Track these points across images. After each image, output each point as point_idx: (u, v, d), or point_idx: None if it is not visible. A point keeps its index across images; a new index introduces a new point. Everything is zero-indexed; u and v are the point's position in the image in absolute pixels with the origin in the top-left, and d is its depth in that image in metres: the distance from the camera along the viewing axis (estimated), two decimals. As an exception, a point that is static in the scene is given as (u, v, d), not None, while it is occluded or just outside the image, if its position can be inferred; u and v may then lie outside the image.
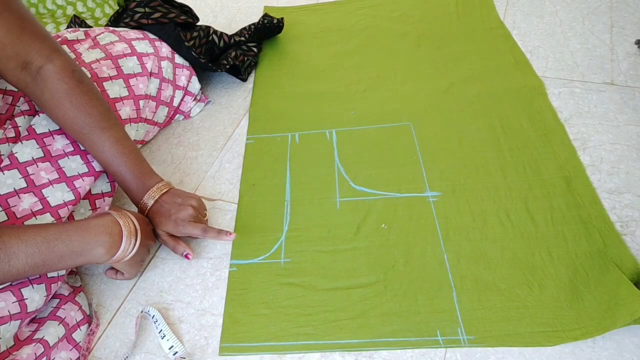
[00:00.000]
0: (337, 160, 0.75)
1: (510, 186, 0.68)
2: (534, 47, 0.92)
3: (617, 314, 0.52)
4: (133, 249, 0.56)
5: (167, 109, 0.83)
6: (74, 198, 0.60)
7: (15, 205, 0.56)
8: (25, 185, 0.58)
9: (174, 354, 0.56)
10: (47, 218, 0.57)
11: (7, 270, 0.47)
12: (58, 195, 0.59)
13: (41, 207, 0.58)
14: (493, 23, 0.96)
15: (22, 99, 0.65)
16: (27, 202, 0.57)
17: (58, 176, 0.60)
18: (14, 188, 0.57)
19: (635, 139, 0.72)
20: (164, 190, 0.64)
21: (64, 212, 0.59)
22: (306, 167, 0.75)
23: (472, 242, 0.63)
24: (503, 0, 1.05)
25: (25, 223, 0.56)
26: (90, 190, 0.65)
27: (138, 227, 0.57)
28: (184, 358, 0.55)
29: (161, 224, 0.63)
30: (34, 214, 0.57)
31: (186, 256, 0.63)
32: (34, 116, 0.64)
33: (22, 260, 0.48)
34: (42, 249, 0.49)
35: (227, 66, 0.90)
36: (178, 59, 0.84)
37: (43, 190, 0.58)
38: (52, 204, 0.58)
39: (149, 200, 0.63)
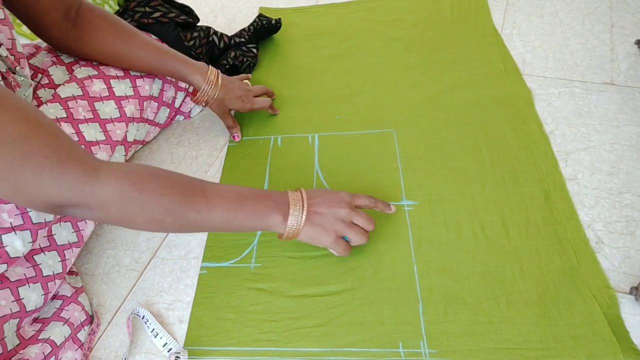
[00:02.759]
0: (316, 165, 0.75)
1: (487, 198, 0.67)
2: (534, 47, 0.91)
3: (580, 351, 0.51)
4: (302, 214, 0.56)
5: (169, 110, 0.84)
6: (105, 138, 0.67)
7: None
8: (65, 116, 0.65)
9: (169, 351, 0.56)
10: None
11: (208, 219, 0.53)
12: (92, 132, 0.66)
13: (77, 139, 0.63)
14: (487, 30, 0.95)
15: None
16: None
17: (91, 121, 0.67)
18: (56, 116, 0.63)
19: (635, 139, 0.72)
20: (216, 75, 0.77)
21: (95, 149, 0.66)
22: (285, 171, 0.75)
23: (444, 254, 0.62)
24: (503, 1, 1.03)
25: None
26: (126, 136, 0.71)
27: (304, 195, 0.58)
28: (179, 353, 0.56)
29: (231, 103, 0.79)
30: None
31: (234, 137, 0.82)
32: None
33: (220, 212, 0.53)
34: (235, 206, 0.54)
35: (227, 66, 0.90)
36: None
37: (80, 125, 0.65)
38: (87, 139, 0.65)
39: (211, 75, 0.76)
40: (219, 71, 0.77)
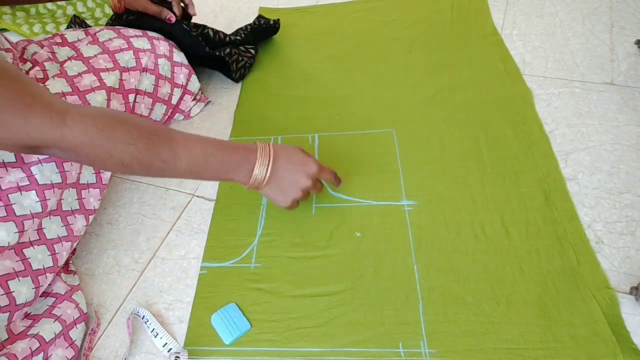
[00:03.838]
0: (316, 166, 0.75)
1: (487, 198, 0.67)
2: (534, 47, 0.91)
3: (580, 352, 0.51)
4: (266, 173, 0.59)
5: (165, 107, 0.83)
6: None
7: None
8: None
9: (169, 351, 0.56)
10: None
11: (174, 169, 0.55)
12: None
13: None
14: (487, 30, 0.95)
15: None
16: None
17: None
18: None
19: (635, 139, 0.72)
20: None
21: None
22: (285, 171, 0.75)
23: (444, 254, 0.62)
24: (503, 1, 1.03)
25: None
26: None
27: (271, 153, 0.59)
28: (179, 353, 0.56)
29: None
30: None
31: (169, 19, 0.82)
32: None
33: (184, 164, 0.55)
34: (200, 161, 0.56)
35: (217, 53, 0.88)
36: (177, 58, 0.84)
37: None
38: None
39: None
40: None
